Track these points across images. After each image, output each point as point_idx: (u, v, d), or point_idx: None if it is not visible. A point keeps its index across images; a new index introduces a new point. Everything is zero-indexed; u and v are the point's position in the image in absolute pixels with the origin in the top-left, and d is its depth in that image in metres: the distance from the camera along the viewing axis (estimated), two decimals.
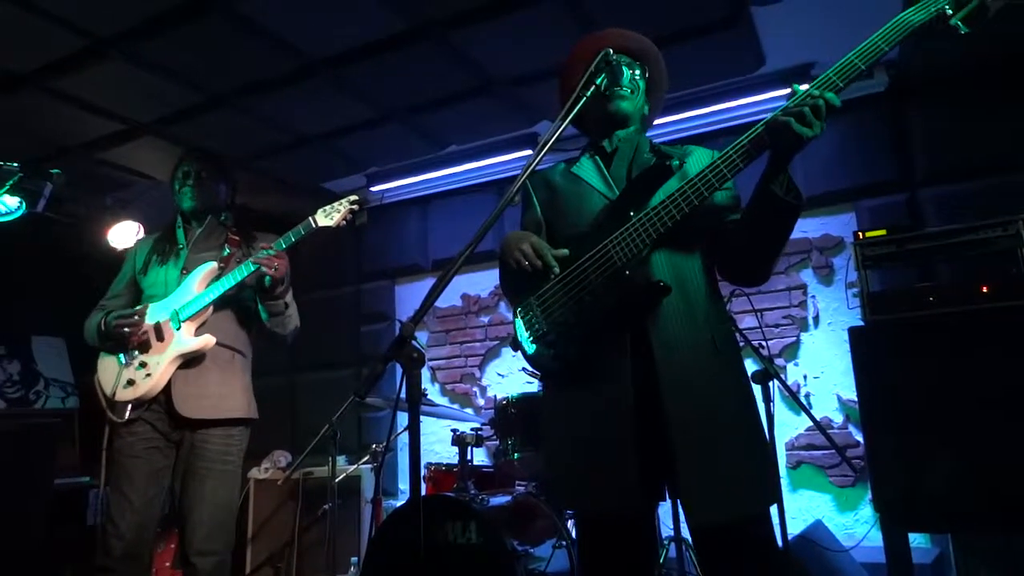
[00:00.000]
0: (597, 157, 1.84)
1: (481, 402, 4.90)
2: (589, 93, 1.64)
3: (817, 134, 1.46)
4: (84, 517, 4.08)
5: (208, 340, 2.45)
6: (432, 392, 5.04)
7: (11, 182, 2.61)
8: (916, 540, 3.35)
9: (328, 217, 2.46)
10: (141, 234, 4.53)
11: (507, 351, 4.90)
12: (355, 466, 4.17)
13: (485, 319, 5.04)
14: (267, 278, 2.43)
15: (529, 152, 4.49)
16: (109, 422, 2.44)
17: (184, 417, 2.40)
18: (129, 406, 2.41)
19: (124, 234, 4.58)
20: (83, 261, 4.51)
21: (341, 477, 3.94)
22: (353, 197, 2.50)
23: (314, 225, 2.47)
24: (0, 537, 3.38)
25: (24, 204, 4.01)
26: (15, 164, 2.58)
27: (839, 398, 3.85)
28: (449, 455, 4.23)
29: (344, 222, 2.47)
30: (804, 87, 1.50)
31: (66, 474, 4.01)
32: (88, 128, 4.00)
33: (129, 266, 2.70)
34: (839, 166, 3.94)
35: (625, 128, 1.83)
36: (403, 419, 4.26)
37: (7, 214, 3.95)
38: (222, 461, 2.44)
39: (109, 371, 2.49)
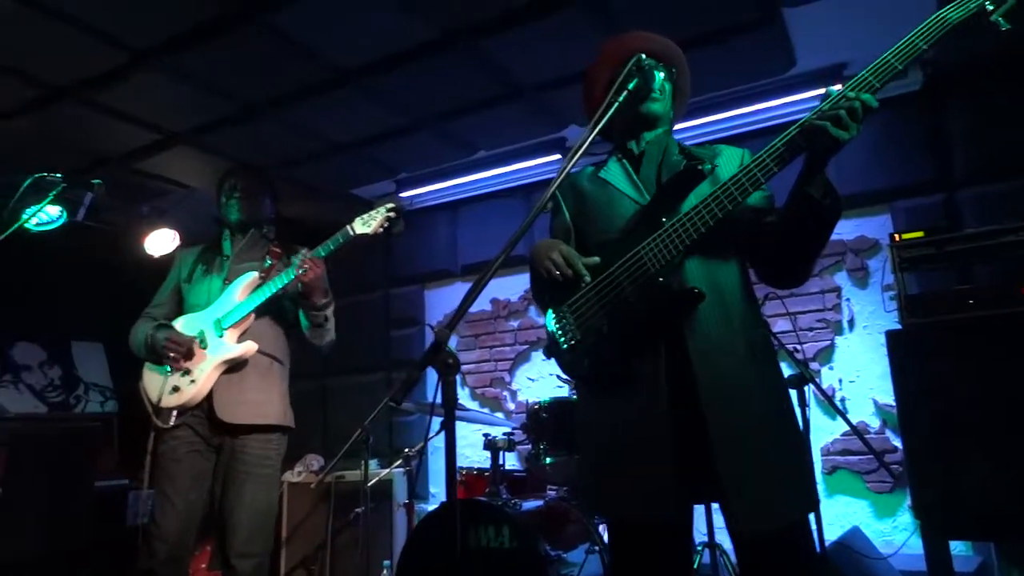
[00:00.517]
0: (625, 160, 1.83)
1: (511, 406, 4.90)
2: (621, 99, 1.64)
3: (854, 136, 1.44)
4: (124, 519, 4.16)
5: (250, 347, 2.50)
6: (462, 396, 5.06)
7: (54, 192, 2.67)
8: (957, 548, 3.28)
9: (366, 225, 2.49)
10: (177, 241, 4.62)
11: (537, 355, 4.90)
12: (387, 470, 4.20)
13: (515, 323, 5.04)
14: (299, 284, 2.46)
15: (558, 156, 4.50)
16: (154, 427, 2.49)
17: (224, 422, 2.44)
18: (175, 412, 2.46)
19: (160, 242, 4.68)
20: (121, 268, 4.61)
21: (373, 481, 3.97)
22: (390, 204, 2.52)
23: (352, 233, 2.50)
24: (47, 538, 3.46)
25: (65, 213, 4.13)
26: (58, 175, 2.65)
27: (875, 403, 3.79)
28: (480, 459, 4.24)
29: (381, 229, 2.49)
30: (838, 88, 1.48)
31: (106, 477, 4.09)
32: (125, 139, 4.09)
33: (174, 275, 2.76)
34: (874, 167, 3.88)
35: (653, 130, 1.82)
36: (434, 423, 4.28)
37: (49, 223, 4.07)
38: (261, 465, 2.48)
39: (154, 378, 2.55)
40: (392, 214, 2.50)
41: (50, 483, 3.55)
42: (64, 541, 3.55)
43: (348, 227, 2.51)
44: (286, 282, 2.48)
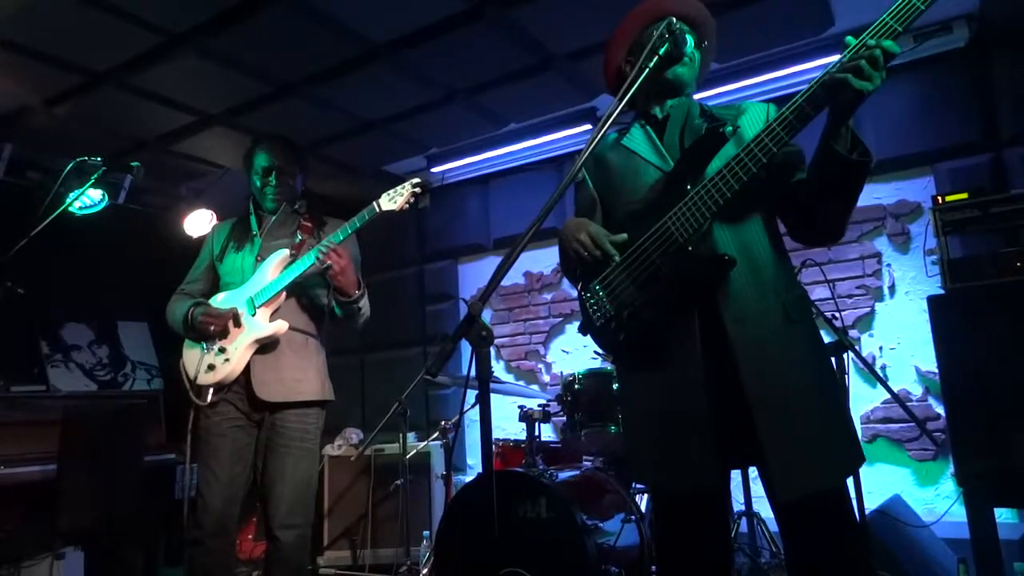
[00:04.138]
0: (648, 127, 1.79)
1: (546, 378, 4.93)
2: (653, 64, 1.60)
3: (877, 86, 1.39)
4: (172, 492, 4.29)
5: (281, 326, 2.53)
6: (497, 369, 5.09)
7: (95, 176, 2.73)
8: (1002, 515, 3.23)
9: (392, 201, 2.48)
10: (214, 222, 4.70)
11: (571, 328, 4.90)
12: (424, 443, 4.26)
13: (548, 296, 5.04)
14: (329, 266, 2.44)
15: (588, 127, 4.45)
16: (195, 404, 2.56)
17: (262, 400, 2.49)
18: (211, 389, 2.51)
19: (198, 222, 4.76)
20: (162, 249, 4.71)
21: (411, 454, 4.04)
22: (416, 180, 2.51)
23: (378, 209, 2.49)
24: (100, 511, 3.59)
25: (106, 196, 4.23)
26: (98, 159, 2.70)
27: (917, 370, 3.71)
28: (516, 431, 4.28)
29: (407, 205, 2.49)
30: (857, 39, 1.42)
31: (154, 452, 4.21)
32: (162, 121, 4.16)
33: (207, 251, 2.78)
34: (915, 127, 3.77)
35: (679, 96, 1.78)
36: (469, 396, 4.32)
37: (92, 206, 4.18)
38: (300, 439, 2.52)
39: (192, 357, 2.60)
40: (418, 189, 2.49)
41: (102, 458, 3.67)
42: (116, 514, 3.67)
43: (374, 203, 2.50)
44: (309, 264, 2.48)
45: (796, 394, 1.54)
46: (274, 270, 2.57)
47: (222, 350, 2.53)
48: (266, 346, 2.54)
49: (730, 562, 1.82)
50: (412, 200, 2.49)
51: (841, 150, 1.47)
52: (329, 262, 2.41)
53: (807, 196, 1.61)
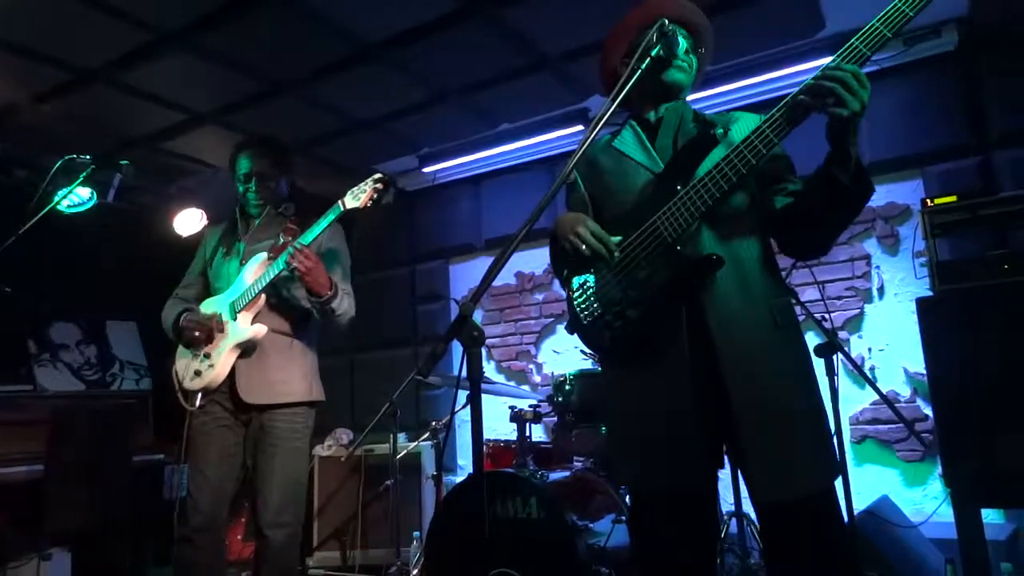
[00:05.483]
0: (640, 130, 1.79)
1: (537, 379, 4.93)
2: (644, 65, 1.60)
3: (856, 110, 1.37)
4: (161, 492, 4.27)
5: (260, 329, 2.51)
6: (488, 370, 5.09)
7: (84, 174, 2.71)
8: (989, 516, 3.25)
9: (355, 198, 2.43)
10: (204, 220, 4.66)
11: (562, 328, 4.90)
12: (415, 443, 4.25)
13: (539, 296, 5.05)
14: (297, 273, 2.40)
15: (580, 128, 4.45)
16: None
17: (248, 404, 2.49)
18: (199, 395, 2.52)
19: (188, 221, 4.72)
20: (151, 248, 4.68)
21: (402, 454, 4.03)
22: (378, 175, 2.45)
23: (343, 208, 2.45)
24: (88, 511, 3.57)
25: (95, 195, 4.19)
26: (87, 156, 2.68)
27: (906, 371, 3.74)
28: (506, 432, 4.28)
29: (371, 202, 2.43)
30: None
31: (142, 452, 4.19)
32: (152, 120, 4.14)
33: (200, 256, 2.79)
34: (905, 130, 3.79)
35: (675, 100, 1.78)
36: (460, 396, 4.31)
37: (80, 205, 4.14)
38: (290, 439, 2.52)
39: (182, 362, 2.61)
40: (380, 185, 2.43)
41: (90, 458, 3.65)
42: (104, 514, 3.65)
43: (339, 202, 2.46)
44: (279, 270, 2.44)
45: (778, 400, 1.54)
46: (254, 274, 2.55)
47: (207, 356, 2.54)
48: (249, 349, 2.53)
49: (714, 563, 1.81)
50: (375, 196, 2.43)
51: (843, 179, 1.46)
52: (294, 264, 2.37)
53: (799, 213, 1.60)
